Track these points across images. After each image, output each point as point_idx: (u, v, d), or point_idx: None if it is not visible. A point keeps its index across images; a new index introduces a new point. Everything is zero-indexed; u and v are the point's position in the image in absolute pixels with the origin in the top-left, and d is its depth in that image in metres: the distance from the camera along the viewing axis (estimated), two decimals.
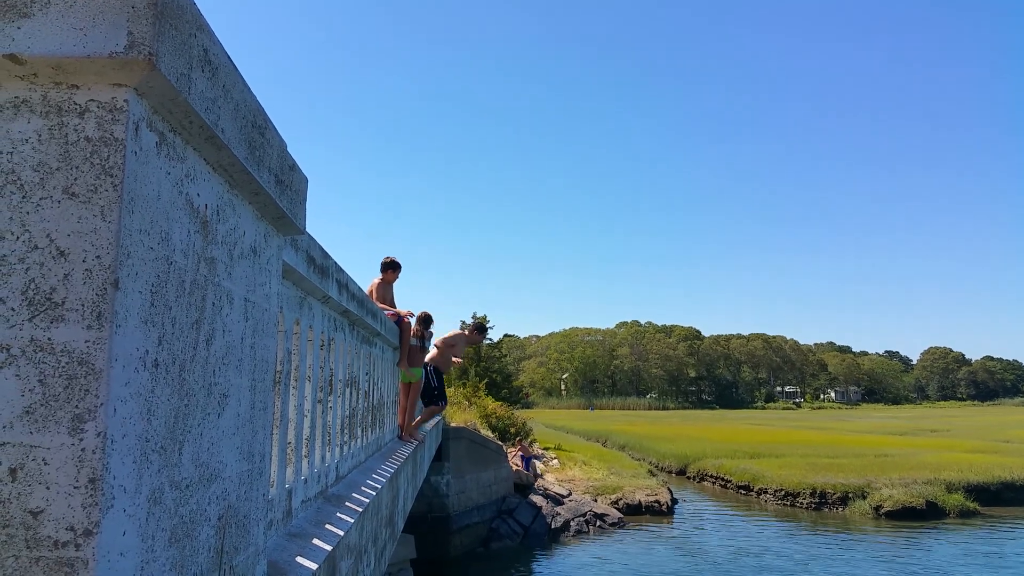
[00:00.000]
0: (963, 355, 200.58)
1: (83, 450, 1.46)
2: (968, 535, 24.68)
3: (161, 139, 1.71)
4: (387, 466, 7.36)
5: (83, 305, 1.49)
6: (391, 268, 9.86)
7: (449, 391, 38.06)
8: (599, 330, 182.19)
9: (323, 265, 4.11)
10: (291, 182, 2.62)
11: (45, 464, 1.45)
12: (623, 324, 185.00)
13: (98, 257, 1.51)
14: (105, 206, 1.52)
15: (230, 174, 2.12)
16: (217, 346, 2.09)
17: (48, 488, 1.44)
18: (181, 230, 1.82)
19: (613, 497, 28.81)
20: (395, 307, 9.72)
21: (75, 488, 1.45)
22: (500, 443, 28.51)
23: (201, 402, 1.97)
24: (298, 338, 4.07)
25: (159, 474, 1.71)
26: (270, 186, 2.34)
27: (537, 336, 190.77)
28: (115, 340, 1.50)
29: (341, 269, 4.74)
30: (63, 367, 1.47)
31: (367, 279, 9.91)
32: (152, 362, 1.67)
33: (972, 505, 28.30)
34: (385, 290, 9.72)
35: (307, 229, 3.65)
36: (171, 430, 1.78)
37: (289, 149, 2.64)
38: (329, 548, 3.67)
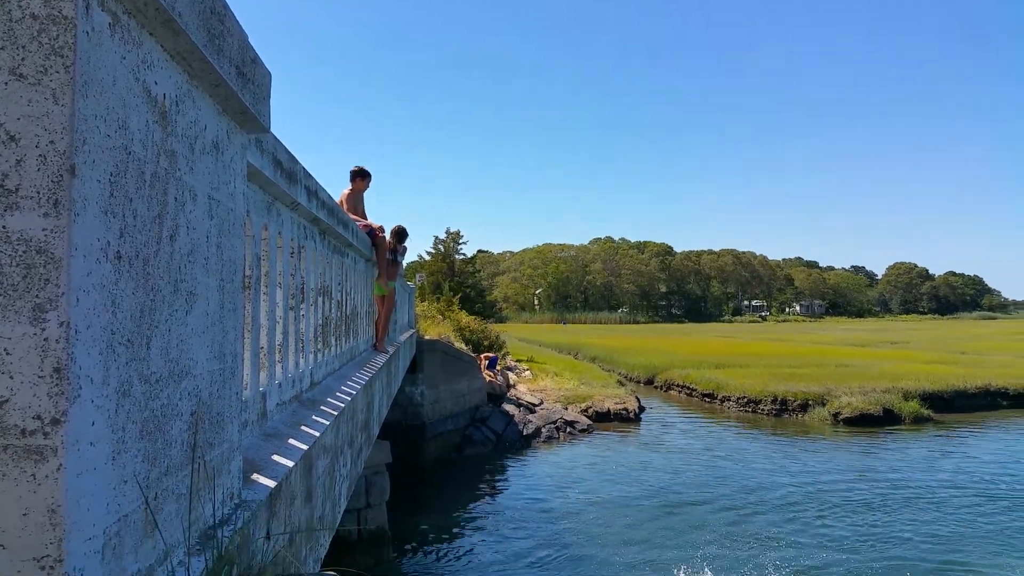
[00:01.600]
0: (927, 270, 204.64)
1: (46, 340, 1.44)
2: (921, 439, 25.73)
3: (115, 20, 1.63)
4: (362, 374, 7.43)
5: (39, 192, 1.44)
6: (360, 176, 9.71)
7: (423, 305, 38.27)
8: (572, 246, 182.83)
9: (291, 170, 4.02)
10: (253, 76, 2.53)
11: (7, 354, 1.43)
12: (596, 240, 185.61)
13: (52, 142, 1.45)
14: (57, 89, 1.46)
15: (189, 63, 2.04)
16: (182, 243, 2.05)
17: (12, 378, 1.43)
18: (139, 119, 1.76)
19: (583, 405, 29.49)
20: (366, 218, 9.62)
21: (40, 378, 1.44)
22: (473, 355, 28.87)
23: (168, 298, 1.95)
24: (267, 244, 4.02)
25: (127, 367, 1.70)
26: (231, 78, 2.26)
27: (511, 252, 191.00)
28: (74, 229, 1.46)
29: (310, 175, 4.66)
30: (20, 256, 1.43)
31: (340, 192, 9.77)
32: (115, 254, 1.63)
33: (926, 412, 29.37)
34: (355, 200, 9.60)
35: (275, 133, 3.57)
36: (138, 324, 1.76)
37: (256, 47, 2.54)
38: (305, 447, 3.73)
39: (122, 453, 1.69)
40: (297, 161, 4.17)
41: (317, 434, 4.17)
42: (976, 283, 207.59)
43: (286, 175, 3.91)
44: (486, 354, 32.62)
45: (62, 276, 1.44)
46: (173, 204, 1.99)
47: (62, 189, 1.44)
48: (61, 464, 1.44)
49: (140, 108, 1.77)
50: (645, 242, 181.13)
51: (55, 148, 1.45)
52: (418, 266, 60.58)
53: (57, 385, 1.44)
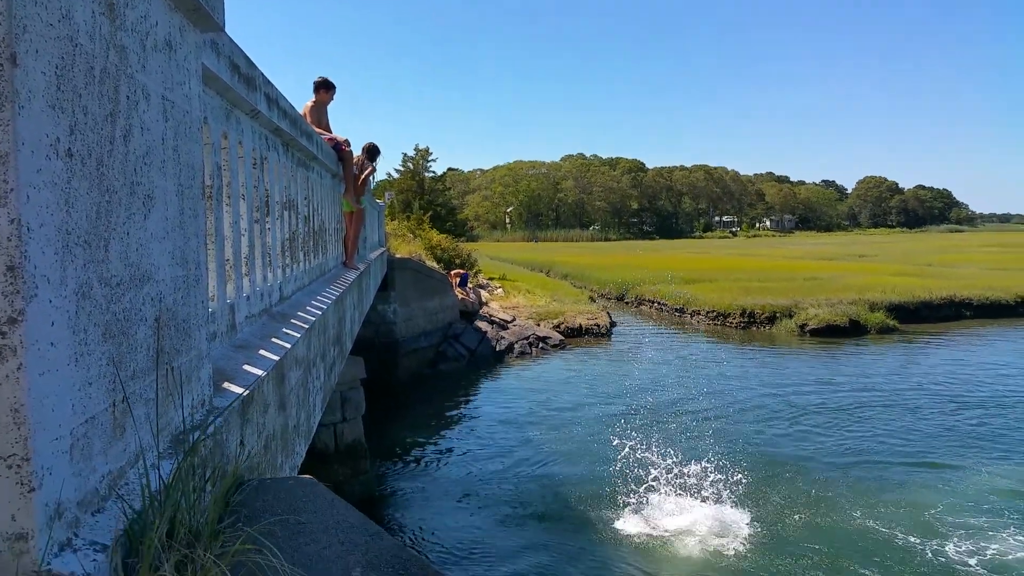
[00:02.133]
0: (896, 184, 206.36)
1: None
2: (886, 349, 26.45)
3: None
4: (332, 289, 7.42)
5: None
6: (324, 88, 9.45)
7: (393, 224, 37.99)
8: (544, 163, 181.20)
9: (249, 75, 3.90)
10: None
11: None
12: (568, 157, 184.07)
13: None
14: None
15: None
16: (136, 143, 1.99)
17: None
18: (84, 10, 1.68)
19: (555, 321, 29.82)
20: (331, 132, 9.42)
21: None
22: (444, 273, 28.91)
23: (124, 200, 1.91)
24: (227, 153, 3.93)
25: (85, 268, 1.67)
26: None
27: (482, 170, 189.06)
28: (19, 122, 1.41)
29: (270, 82, 4.53)
30: None
31: (302, 105, 9.50)
32: (65, 151, 1.58)
33: (892, 322, 30.11)
34: (319, 113, 9.36)
35: (232, 37, 3.44)
36: (94, 225, 1.72)
37: None
38: (276, 358, 3.74)
39: (85, 355, 1.68)
40: (255, 66, 4.04)
41: (288, 346, 4.18)
42: (944, 196, 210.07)
43: (244, 80, 3.79)
44: (456, 271, 32.51)
45: (9, 171, 1.40)
46: (125, 103, 1.92)
47: (3, 79, 1.38)
48: (21, 363, 1.43)
49: None
50: (617, 159, 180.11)
51: None
52: (387, 184, 59.84)
53: (12, 284, 1.41)
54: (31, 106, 1.45)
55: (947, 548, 10.44)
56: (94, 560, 1.56)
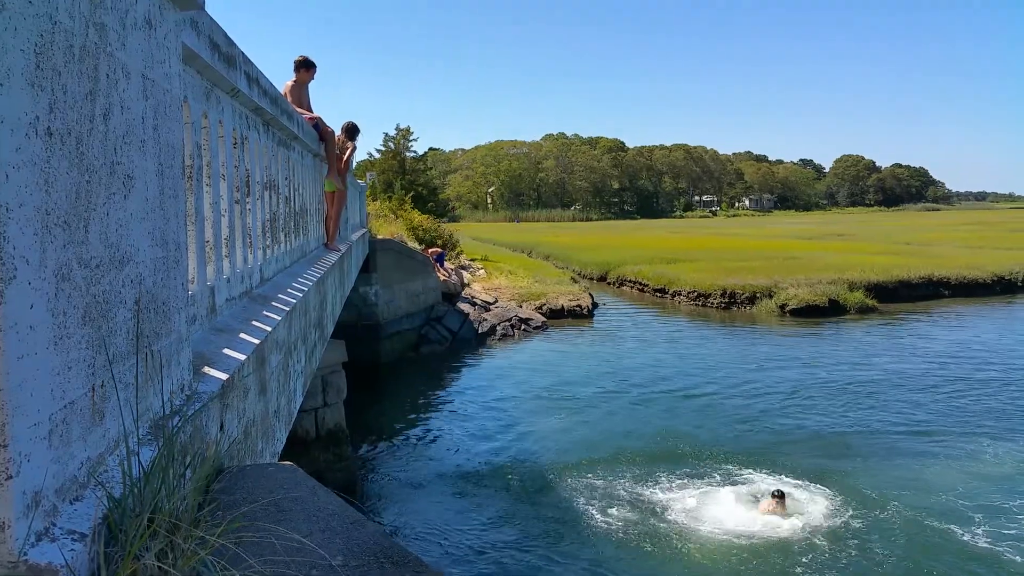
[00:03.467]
0: (874, 162, 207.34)
1: None
2: (866, 328, 26.73)
3: None
4: (313, 271, 7.36)
5: None
6: (305, 67, 9.32)
7: (374, 204, 37.77)
8: (525, 143, 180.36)
9: (229, 53, 3.83)
10: None
11: None
12: (549, 137, 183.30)
13: None
14: None
15: None
16: (116, 122, 1.95)
17: None
18: None
19: (537, 303, 29.86)
20: (312, 111, 9.31)
21: None
22: (426, 255, 28.81)
23: (104, 180, 1.87)
24: (207, 132, 3.86)
25: (65, 250, 1.64)
26: None
27: (463, 150, 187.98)
28: None
29: (250, 61, 4.45)
30: None
31: (283, 84, 9.37)
32: (45, 130, 1.54)
33: (871, 302, 30.41)
34: (300, 92, 9.24)
35: (211, 14, 3.37)
36: (74, 205, 1.68)
37: None
38: (257, 342, 3.70)
39: (64, 339, 1.64)
40: (235, 44, 3.97)
41: (269, 329, 4.14)
42: (921, 175, 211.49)
43: (224, 59, 3.72)
44: (433, 249, 32.27)
45: None
46: (105, 81, 1.88)
47: None
48: (0, 347, 1.39)
49: None
50: (597, 138, 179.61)
51: None
52: (368, 164, 59.41)
53: None
54: (10, 84, 1.40)
55: (961, 526, 10.54)
56: (72, 550, 1.53)
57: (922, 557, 9.73)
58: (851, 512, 10.95)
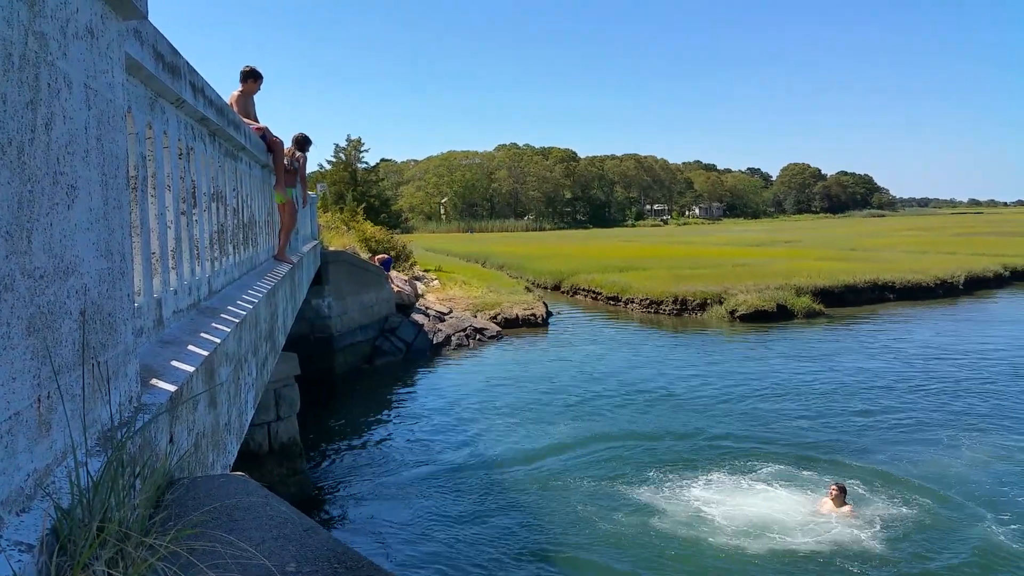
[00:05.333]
0: (820, 170, 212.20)
1: None
2: (813, 332, 27.32)
3: None
4: (263, 283, 7.30)
5: None
6: (252, 77, 9.25)
7: (326, 216, 37.43)
8: (477, 153, 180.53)
9: (173, 63, 3.81)
10: None
11: None
12: (501, 147, 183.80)
13: None
14: None
15: None
16: (59, 132, 1.94)
17: None
18: None
19: (492, 313, 29.89)
20: (258, 122, 9.23)
21: None
22: (379, 265, 28.64)
23: (47, 190, 1.86)
24: (152, 143, 3.83)
25: (8, 260, 1.63)
26: None
27: (415, 160, 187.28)
28: None
29: (195, 71, 4.42)
30: None
31: (229, 94, 9.27)
32: None
33: (818, 307, 31.10)
34: (246, 103, 9.16)
35: (155, 22, 3.36)
36: (16, 216, 1.68)
37: None
38: (205, 353, 3.67)
39: (8, 349, 1.63)
40: (180, 54, 3.95)
41: (218, 341, 4.11)
42: (866, 182, 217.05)
43: (168, 69, 3.70)
44: (380, 255, 31.99)
45: None
46: (47, 91, 1.87)
47: None
48: None
49: None
50: (550, 148, 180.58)
51: None
52: (319, 176, 58.92)
53: None
54: None
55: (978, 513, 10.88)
56: (20, 561, 1.53)
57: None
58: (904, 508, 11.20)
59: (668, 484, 12.40)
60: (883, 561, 9.75)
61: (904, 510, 11.20)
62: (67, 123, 2.01)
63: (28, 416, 1.74)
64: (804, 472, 12.86)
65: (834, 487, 11.20)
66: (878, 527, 10.60)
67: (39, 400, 1.80)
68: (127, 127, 2.87)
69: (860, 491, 11.86)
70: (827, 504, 11.12)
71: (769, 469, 12.98)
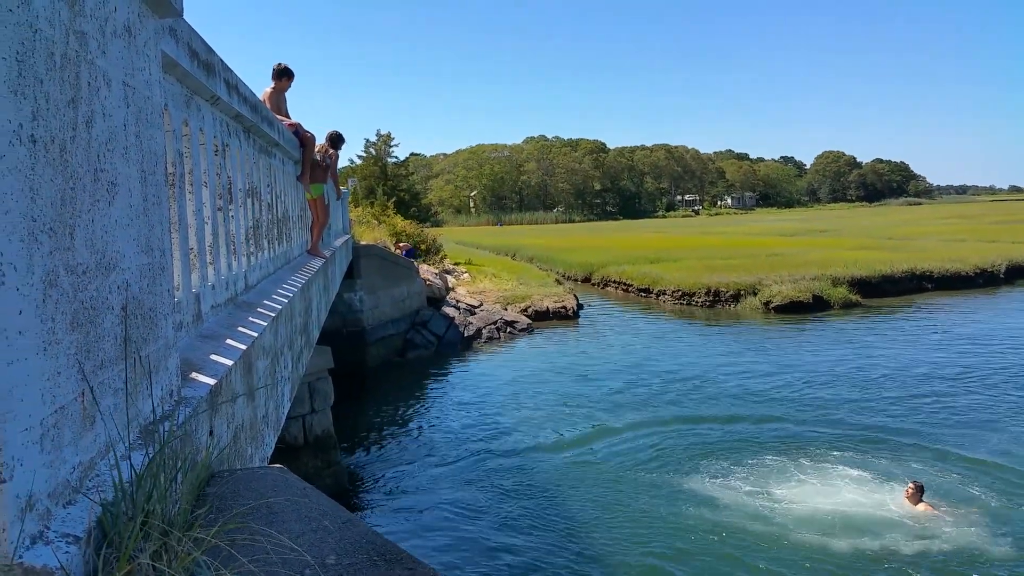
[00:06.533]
0: (855, 158, 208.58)
1: None
2: (849, 323, 26.91)
3: None
4: (298, 277, 7.36)
5: None
6: (285, 75, 9.32)
7: (357, 210, 37.67)
8: (506, 146, 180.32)
9: (208, 60, 3.84)
10: None
11: None
12: (530, 139, 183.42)
13: None
14: None
15: None
16: (99, 130, 1.96)
17: None
18: None
19: (522, 305, 29.87)
20: (289, 118, 9.30)
21: None
22: (411, 259, 28.77)
23: (89, 187, 1.88)
24: (188, 140, 3.87)
25: (51, 256, 1.65)
26: None
27: (444, 154, 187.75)
28: None
29: (229, 68, 4.46)
30: None
31: (261, 92, 9.35)
32: (28, 137, 1.56)
33: (854, 297, 30.59)
34: (278, 99, 9.23)
35: (189, 20, 3.39)
36: (59, 212, 1.70)
37: None
38: (243, 347, 3.71)
39: (53, 344, 1.66)
40: (214, 52, 3.98)
41: (255, 335, 4.15)
42: (902, 169, 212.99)
43: (203, 66, 3.74)
44: (402, 244, 32.07)
45: None
46: (87, 89, 1.89)
47: None
48: None
49: None
50: (578, 140, 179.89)
51: None
52: (350, 171, 59.32)
53: None
54: None
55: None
56: (67, 552, 1.55)
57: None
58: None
59: (724, 475, 12.16)
60: (971, 560, 9.40)
61: (979, 504, 10.81)
62: (107, 120, 2.03)
63: (73, 410, 1.76)
64: (868, 463, 12.50)
65: (911, 485, 10.84)
66: (960, 524, 10.24)
67: (83, 394, 1.82)
68: (164, 124, 2.90)
69: (933, 482, 11.48)
70: (904, 503, 10.78)
71: (830, 460, 12.66)
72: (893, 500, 10.97)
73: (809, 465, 12.51)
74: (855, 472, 12.13)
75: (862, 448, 13.32)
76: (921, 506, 10.71)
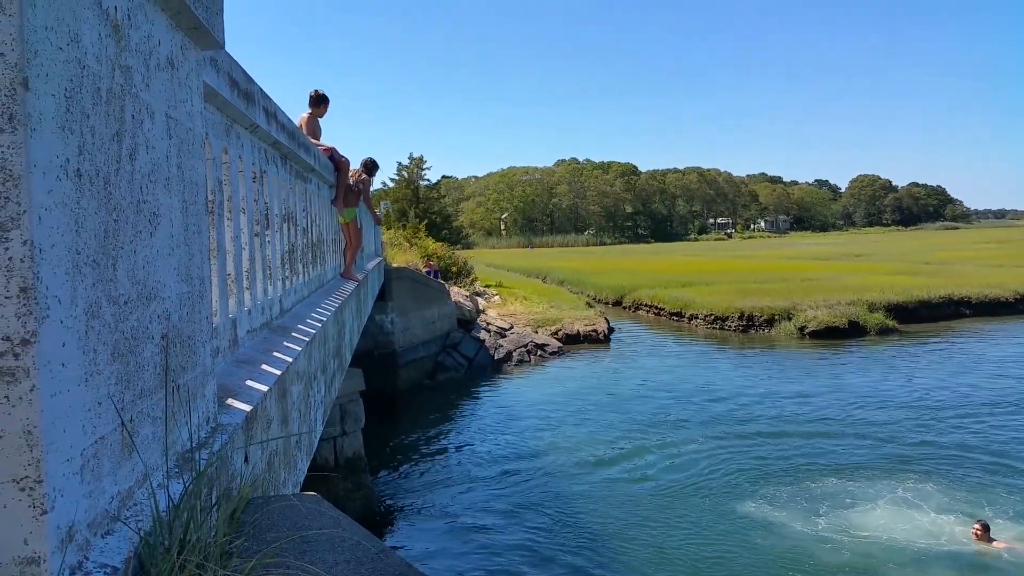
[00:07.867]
0: (890, 182, 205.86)
1: (11, 259, 1.40)
2: (887, 349, 26.39)
3: None
4: (331, 301, 7.41)
5: None
6: (322, 102, 9.46)
7: (389, 233, 38.00)
8: (537, 168, 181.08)
9: (247, 89, 3.91)
10: None
11: None
12: (561, 162, 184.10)
13: (2, 55, 1.39)
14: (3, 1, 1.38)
15: None
16: (142, 162, 1.99)
17: None
18: (91, 32, 1.68)
19: (553, 328, 29.79)
20: (322, 143, 9.42)
21: (7, 298, 1.41)
22: (442, 281, 28.88)
23: (131, 219, 1.91)
24: (228, 168, 3.93)
25: (94, 288, 1.67)
26: None
27: (476, 177, 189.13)
28: (32, 145, 1.41)
29: (267, 96, 4.53)
30: None
31: (297, 117, 9.49)
32: (74, 172, 1.59)
33: (891, 323, 30.04)
34: (313, 125, 9.37)
35: (231, 54, 3.45)
36: (103, 244, 1.72)
37: None
38: (278, 373, 3.73)
39: (95, 375, 1.67)
40: (253, 81, 4.05)
41: (290, 360, 4.17)
42: (939, 193, 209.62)
43: (243, 95, 3.80)
44: (431, 263, 32.17)
45: (22, 194, 1.40)
46: (131, 122, 1.93)
47: (16, 103, 1.38)
48: (34, 385, 1.42)
49: (92, 21, 1.69)
50: (610, 162, 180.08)
51: (6, 60, 1.38)
52: (382, 193, 59.90)
53: (25, 305, 1.41)
54: (42, 128, 1.45)
55: None
56: None
57: None
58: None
59: (775, 501, 11.97)
60: None
61: None
62: (150, 152, 2.06)
63: (112, 440, 1.78)
64: (926, 492, 12.24)
65: (977, 525, 10.56)
66: None
67: (123, 424, 1.83)
68: (204, 153, 2.95)
69: (990, 512, 11.25)
70: (977, 543, 10.48)
71: (881, 487, 12.44)
72: (963, 534, 10.68)
73: (872, 493, 12.26)
74: (917, 501, 11.88)
75: (914, 475, 13.06)
76: (996, 543, 10.41)
